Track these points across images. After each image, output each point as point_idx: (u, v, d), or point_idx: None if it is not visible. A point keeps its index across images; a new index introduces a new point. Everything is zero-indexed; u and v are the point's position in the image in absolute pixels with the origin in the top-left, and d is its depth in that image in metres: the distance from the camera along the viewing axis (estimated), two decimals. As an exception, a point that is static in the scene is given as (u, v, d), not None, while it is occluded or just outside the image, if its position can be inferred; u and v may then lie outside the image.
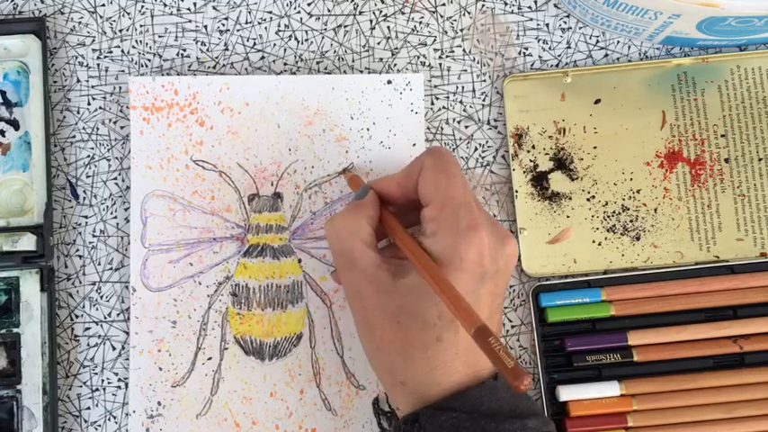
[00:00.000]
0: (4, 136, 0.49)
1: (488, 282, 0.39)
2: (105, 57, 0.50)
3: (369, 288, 0.40)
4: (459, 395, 0.38)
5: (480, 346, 0.35)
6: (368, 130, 0.49)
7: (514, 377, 0.33)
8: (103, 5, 0.51)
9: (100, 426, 0.47)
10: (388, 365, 0.40)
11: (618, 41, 0.51)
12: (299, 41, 0.51)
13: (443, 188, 0.40)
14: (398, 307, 0.39)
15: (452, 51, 0.51)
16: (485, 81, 0.51)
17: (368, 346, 0.42)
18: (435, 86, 0.51)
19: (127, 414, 0.47)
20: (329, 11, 0.51)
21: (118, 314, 0.48)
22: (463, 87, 0.51)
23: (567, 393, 0.46)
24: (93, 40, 0.50)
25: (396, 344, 0.39)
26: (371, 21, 0.51)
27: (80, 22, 0.50)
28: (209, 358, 0.47)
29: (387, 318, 0.39)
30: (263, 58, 0.51)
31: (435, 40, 0.51)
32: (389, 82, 0.50)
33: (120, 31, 0.50)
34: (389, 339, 0.39)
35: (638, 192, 0.50)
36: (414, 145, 0.49)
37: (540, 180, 0.50)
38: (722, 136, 0.50)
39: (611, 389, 0.46)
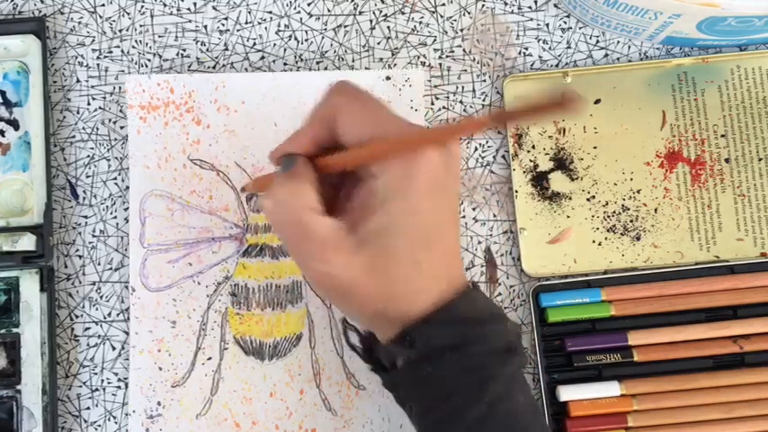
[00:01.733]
0: (4, 136, 0.49)
1: (450, 187, 0.37)
2: (105, 57, 0.50)
3: (333, 255, 0.36)
4: (444, 309, 0.36)
5: (514, 121, 0.34)
6: (367, 129, 0.49)
7: (569, 102, 0.30)
8: (103, 5, 0.51)
9: (100, 426, 0.47)
10: (373, 313, 0.37)
11: (618, 41, 0.51)
12: (299, 41, 0.51)
13: (372, 124, 0.36)
14: (370, 258, 0.35)
15: (452, 51, 0.51)
16: (485, 81, 0.51)
17: (348, 309, 0.39)
18: (435, 86, 0.51)
19: (127, 414, 0.47)
20: (329, 11, 0.51)
21: (118, 314, 0.48)
22: (463, 87, 0.51)
23: (567, 393, 0.46)
24: (93, 40, 0.50)
25: (378, 292, 0.36)
26: (371, 21, 0.51)
27: (80, 22, 0.51)
28: (209, 358, 0.47)
29: (360, 274, 0.35)
30: (263, 58, 0.51)
31: (435, 40, 0.51)
32: (388, 78, 0.49)
33: (120, 31, 0.51)
34: (370, 292, 0.36)
35: (638, 192, 0.49)
36: (413, 145, 0.49)
37: (540, 180, 0.50)
38: (722, 136, 0.50)
39: (611, 389, 0.46)
